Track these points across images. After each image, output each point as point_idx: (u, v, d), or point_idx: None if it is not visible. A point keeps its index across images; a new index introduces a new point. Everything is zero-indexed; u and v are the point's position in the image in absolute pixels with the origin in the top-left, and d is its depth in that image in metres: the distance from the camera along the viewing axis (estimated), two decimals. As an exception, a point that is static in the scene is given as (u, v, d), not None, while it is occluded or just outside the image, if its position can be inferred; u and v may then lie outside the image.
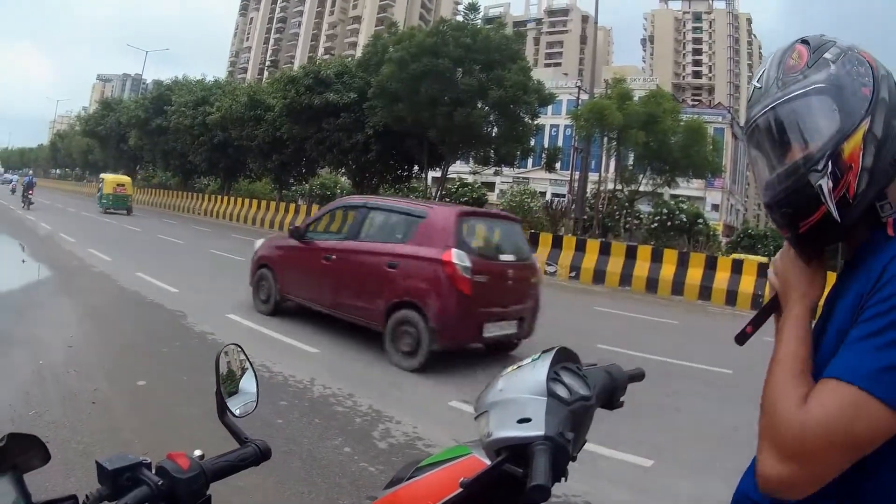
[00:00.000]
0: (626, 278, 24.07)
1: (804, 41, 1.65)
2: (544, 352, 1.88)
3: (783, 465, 1.41)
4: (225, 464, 1.66)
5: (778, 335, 1.66)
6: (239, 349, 1.97)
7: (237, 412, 1.84)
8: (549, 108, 45.58)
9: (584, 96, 47.12)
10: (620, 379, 2.08)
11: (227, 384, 1.88)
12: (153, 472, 1.46)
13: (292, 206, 40.66)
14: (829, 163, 1.54)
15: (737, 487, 1.89)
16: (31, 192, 41.65)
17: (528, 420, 1.65)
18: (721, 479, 5.93)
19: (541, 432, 1.60)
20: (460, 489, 1.73)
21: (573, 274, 24.96)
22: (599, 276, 24.46)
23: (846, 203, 1.55)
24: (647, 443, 7.03)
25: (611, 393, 2.03)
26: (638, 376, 2.17)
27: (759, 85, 1.67)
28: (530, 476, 1.49)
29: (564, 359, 1.91)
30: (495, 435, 1.69)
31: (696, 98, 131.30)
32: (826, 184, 1.55)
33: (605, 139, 39.58)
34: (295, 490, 5.30)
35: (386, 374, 9.28)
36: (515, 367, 1.89)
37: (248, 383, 1.96)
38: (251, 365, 1.98)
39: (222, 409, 1.81)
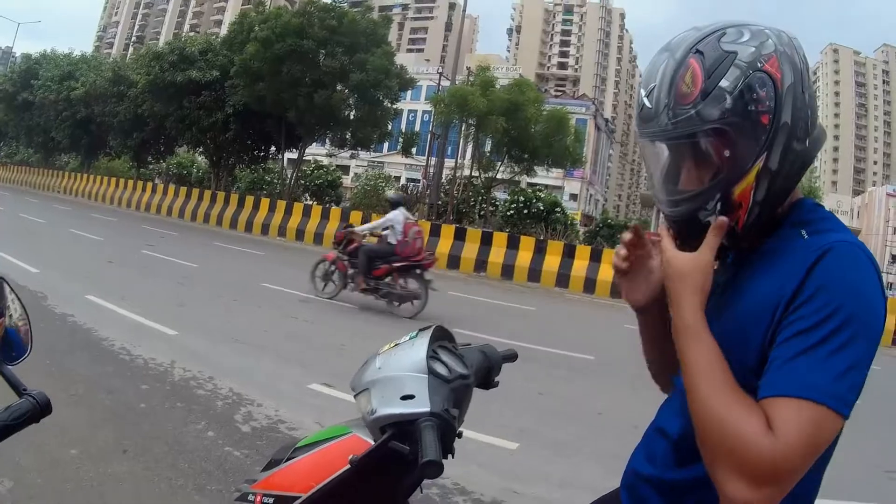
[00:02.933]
0: (481, 264, 24.30)
1: (698, 52, 1.57)
2: (421, 330, 1.95)
3: (759, 490, 1.38)
4: None
5: (683, 337, 1.58)
6: (4, 282, 1.67)
7: (8, 361, 1.61)
8: (409, 93, 45.92)
9: (445, 83, 47.35)
10: (495, 359, 2.11)
11: None
12: None
13: (149, 184, 40.33)
14: (718, 204, 1.59)
15: (627, 465, 1.93)
16: None
17: (411, 397, 1.72)
18: (590, 461, 6.53)
19: (426, 408, 1.67)
20: (348, 466, 1.76)
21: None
22: (454, 261, 24.58)
23: (733, 233, 1.61)
24: (511, 426, 7.11)
25: (486, 373, 2.08)
26: (511, 357, 2.20)
27: (649, 105, 1.62)
28: (421, 452, 1.54)
29: (441, 337, 1.98)
30: (380, 412, 1.74)
31: (560, 89, 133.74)
32: (714, 221, 1.58)
33: (465, 125, 40.07)
34: (163, 475, 5.20)
35: (245, 357, 9.25)
36: (392, 344, 1.95)
37: (17, 325, 1.70)
38: (21, 304, 1.72)
39: None
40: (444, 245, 25.03)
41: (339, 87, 35.53)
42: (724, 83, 1.51)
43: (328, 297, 14.43)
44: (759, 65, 1.53)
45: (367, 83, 34.48)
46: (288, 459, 2.01)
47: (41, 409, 1.52)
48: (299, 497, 1.87)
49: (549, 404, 8.61)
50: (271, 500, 1.94)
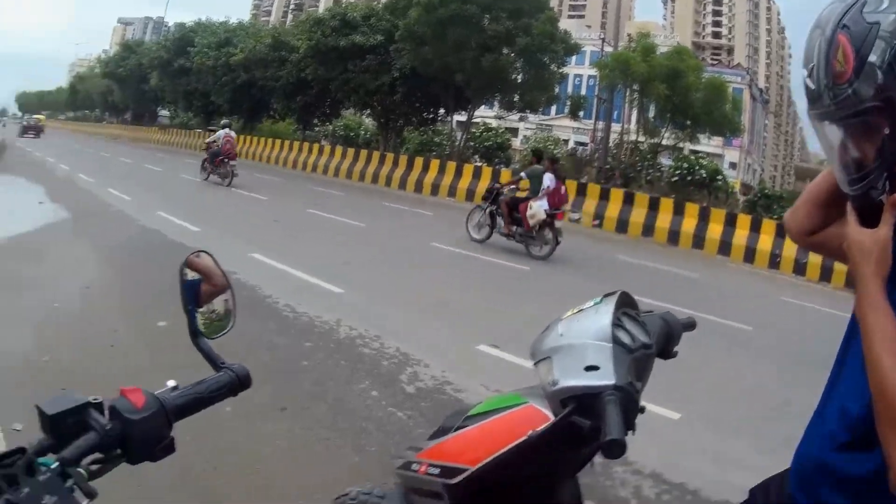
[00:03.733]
0: (648, 229, 24.00)
1: (845, 27, 1.49)
2: (606, 296, 1.82)
3: None
4: (192, 397, 1.45)
5: (865, 310, 1.55)
6: (209, 256, 1.74)
7: (210, 333, 1.65)
8: (573, 58, 45.02)
9: (608, 49, 47.13)
10: (676, 328, 2.01)
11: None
12: (105, 413, 1.25)
13: (315, 146, 40.33)
14: (887, 183, 1.53)
15: (798, 449, 1.82)
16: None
17: (595, 368, 1.60)
18: (743, 437, 6.42)
19: (611, 381, 1.56)
20: (524, 438, 1.66)
21: (597, 222, 24.90)
22: (622, 225, 24.40)
23: None
24: (674, 396, 6.69)
25: (666, 341, 1.96)
26: (690, 325, 2.11)
27: (812, 85, 1.57)
28: (604, 429, 1.45)
29: (625, 303, 1.85)
30: (562, 383, 1.62)
31: (716, 58, 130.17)
32: (886, 199, 1.54)
33: (629, 91, 39.33)
34: (321, 436, 5.21)
35: (413, 316, 9.22)
36: (576, 310, 1.83)
37: (221, 299, 1.75)
38: (225, 276, 1.75)
39: (193, 331, 1.62)
40: (613, 209, 24.86)
41: (505, 51, 35.17)
42: (872, 58, 1.45)
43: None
44: None
45: (532, 47, 34.11)
46: (458, 428, 1.96)
47: (240, 383, 1.54)
48: (467, 469, 1.81)
49: (710, 375, 8.30)
50: (437, 471, 1.90)
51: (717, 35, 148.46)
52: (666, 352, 1.96)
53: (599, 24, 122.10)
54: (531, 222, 15.45)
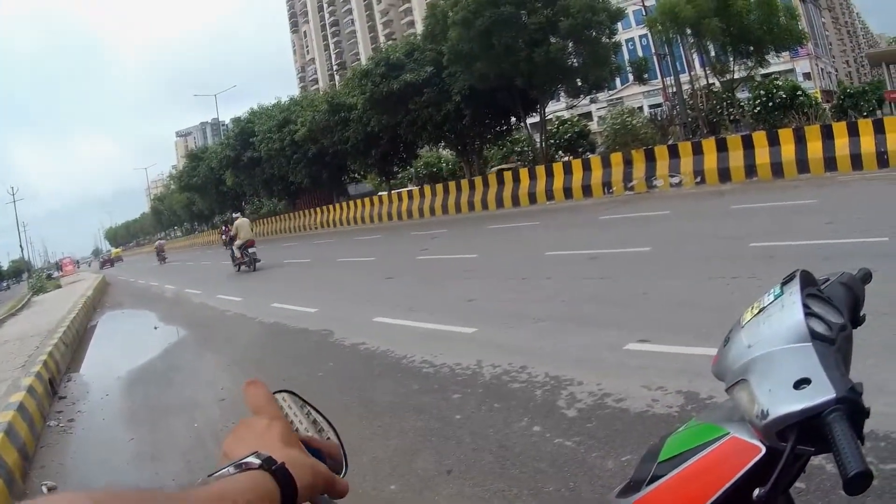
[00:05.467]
0: (750, 169, 23.64)
1: None
2: (784, 283, 1.53)
3: None
4: None
5: None
6: (294, 396, 1.39)
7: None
8: (620, 24, 44.81)
9: (650, 2, 47.06)
10: (858, 289, 1.67)
11: None
12: None
13: (404, 192, 41.10)
14: None
15: None
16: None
17: (806, 381, 1.27)
18: None
19: (831, 395, 1.22)
20: (754, 501, 1.30)
21: (698, 179, 24.73)
22: (724, 174, 24.16)
23: None
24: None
25: (854, 308, 1.61)
26: (867, 277, 1.75)
27: None
28: (842, 462, 1.14)
29: (805, 284, 1.53)
30: (775, 412, 1.28)
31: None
32: None
33: (684, 37, 39.60)
34: (494, 488, 4.96)
35: (551, 335, 8.88)
36: (755, 310, 1.52)
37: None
38: (321, 414, 1.37)
39: None
40: (710, 160, 24.74)
41: (553, 40, 35.04)
42: None
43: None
44: None
45: (577, 27, 34.02)
46: (654, 479, 1.52)
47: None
48: None
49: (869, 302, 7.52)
50: None
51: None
52: (856, 319, 1.62)
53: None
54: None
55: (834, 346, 1.38)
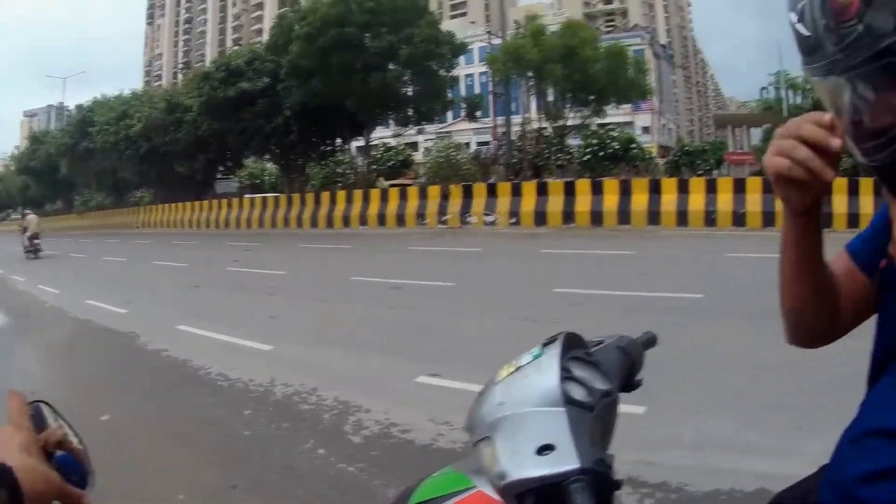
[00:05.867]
0: (568, 215, 24.17)
1: None
2: (545, 344, 1.44)
3: None
4: None
5: None
6: (49, 407, 1.28)
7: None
8: (462, 58, 46.29)
9: (496, 41, 47.74)
10: (636, 353, 1.66)
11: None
12: None
13: (224, 201, 40.89)
14: None
15: (827, 475, 1.48)
16: None
17: (550, 448, 1.21)
18: (723, 415, 6.08)
19: (575, 465, 1.17)
20: None
21: (513, 220, 25.24)
22: (541, 217, 24.63)
23: None
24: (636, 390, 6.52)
25: (628, 373, 1.61)
26: (651, 342, 1.76)
27: (805, 31, 1.21)
28: None
29: (570, 346, 1.46)
30: (513, 476, 1.21)
31: (610, 24, 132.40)
32: None
33: (524, 79, 40.44)
34: None
35: (345, 359, 9.01)
36: (512, 368, 1.44)
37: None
38: (68, 424, 1.27)
39: None
40: (528, 203, 25.17)
41: (391, 67, 35.68)
42: None
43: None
44: None
45: (417, 56, 34.90)
46: None
47: None
48: None
49: (667, 356, 7.84)
50: None
51: (608, 1, 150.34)
52: (630, 384, 1.63)
53: (483, 17, 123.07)
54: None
55: (592, 414, 1.33)
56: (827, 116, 1.22)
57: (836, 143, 1.21)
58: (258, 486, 5.31)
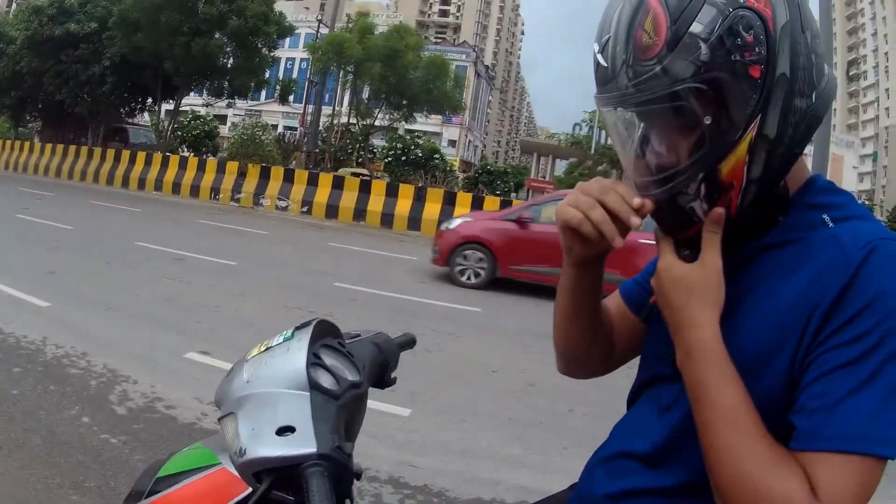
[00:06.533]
0: (360, 213, 24.38)
1: None
2: (298, 328, 1.49)
3: None
4: None
5: (697, 366, 1.24)
6: None
7: None
8: (287, 40, 46.31)
9: (325, 30, 47.78)
10: (391, 351, 1.73)
11: None
12: None
13: (27, 144, 38.95)
14: (702, 186, 1.26)
15: (578, 491, 1.57)
16: None
17: (290, 429, 1.27)
18: (488, 425, 6.44)
19: (312, 449, 1.23)
20: None
21: (305, 209, 25.31)
22: (332, 210, 24.80)
23: (728, 218, 1.27)
24: (401, 390, 5.53)
25: (381, 369, 1.68)
26: (408, 343, 1.85)
27: (604, 63, 1.27)
28: None
29: (324, 333, 1.53)
30: (251, 454, 1.26)
31: (441, 36, 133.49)
32: (699, 206, 1.27)
33: (342, 73, 40.74)
34: (39, 474, 4.72)
35: (118, 327, 8.70)
36: (263, 347, 1.49)
37: None
38: None
39: None
40: (322, 194, 25.25)
41: (217, 35, 35.20)
42: (696, 28, 1.17)
43: None
44: (741, 0, 1.18)
45: (245, 30, 34.41)
46: (150, 493, 1.59)
47: None
48: None
49: (439, 363, 8.19)
50: None
51: (444, 13, 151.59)
52: (382, 380, 1.69)
53: (319, 5, 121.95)
54: None
55: (338, 402, 1.36)
56: (637, 201, 1.29)
57: (637, 222, 1.30)
58: (21, 450, 5.09)
